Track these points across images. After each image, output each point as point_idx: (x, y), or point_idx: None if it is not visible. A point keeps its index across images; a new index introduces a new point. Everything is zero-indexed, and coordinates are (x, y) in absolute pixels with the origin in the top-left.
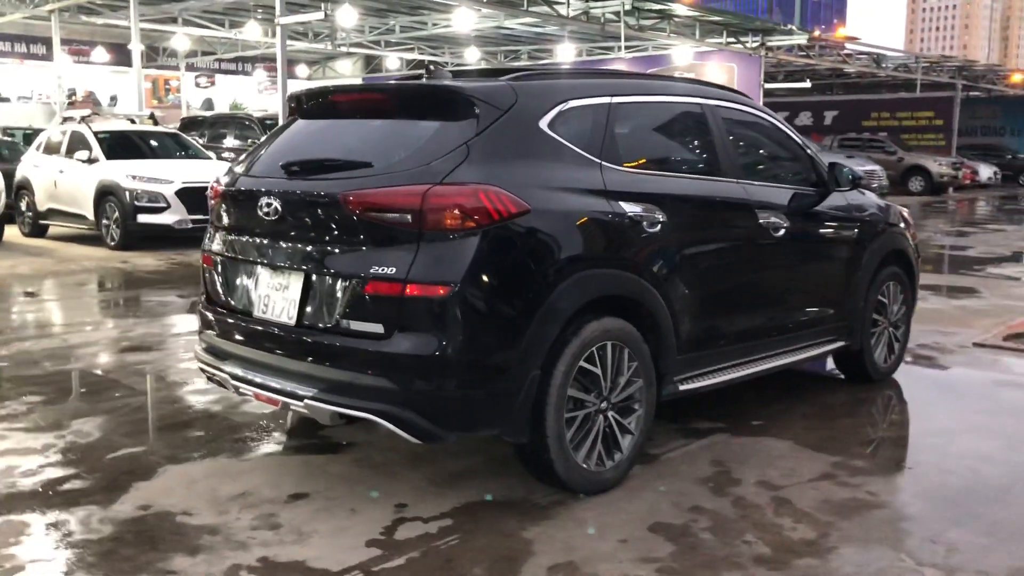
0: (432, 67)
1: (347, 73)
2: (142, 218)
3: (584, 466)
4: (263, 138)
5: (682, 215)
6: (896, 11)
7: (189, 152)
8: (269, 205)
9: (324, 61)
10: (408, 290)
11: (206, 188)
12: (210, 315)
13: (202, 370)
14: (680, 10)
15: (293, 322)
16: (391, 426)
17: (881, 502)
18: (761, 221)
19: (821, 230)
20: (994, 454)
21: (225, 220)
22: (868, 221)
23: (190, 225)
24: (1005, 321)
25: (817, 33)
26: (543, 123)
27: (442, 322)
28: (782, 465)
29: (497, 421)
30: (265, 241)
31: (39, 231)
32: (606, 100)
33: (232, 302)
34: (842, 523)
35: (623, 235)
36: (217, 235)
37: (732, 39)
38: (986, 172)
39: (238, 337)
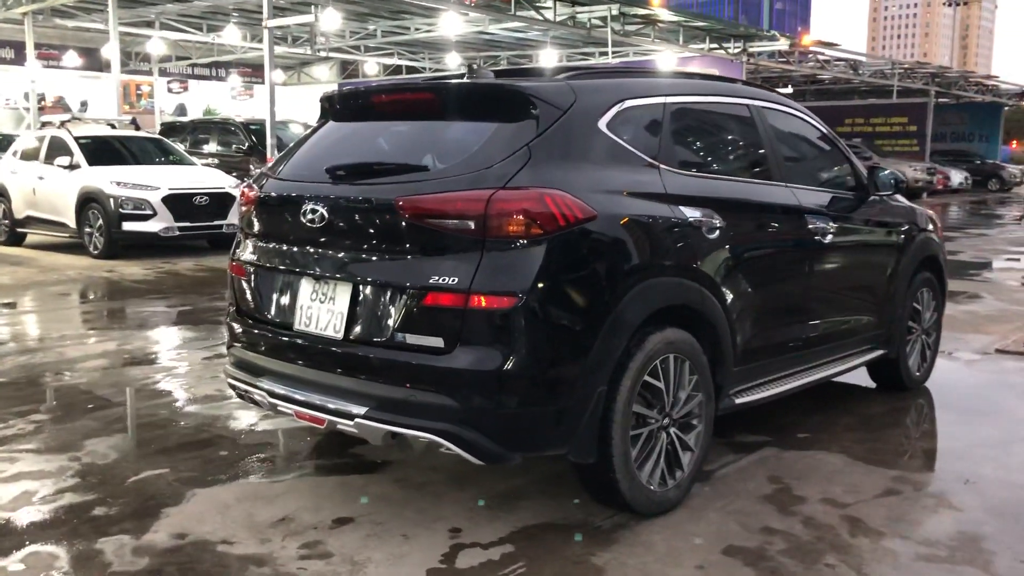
0: (475, 66)
1: (324, 78)
2: (127, 226)
3: (648, 486)
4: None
5: (737, 220)
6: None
7: (173, 158)
8: (314, 212)
9: (299, 66)
10: (472, 301)
11: (193, 195)
12: (241, 328)
13: (233, 386)
14: (664, 16)
15: (340, 335)
16: (453, 446)
17: (954, 520)
18: (810, 226)
19: (864, 236)
20: None
21: (259, 228)
22: (905, 226)
23: (177, 233)
24: (1019, 327)
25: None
26: (602, 124)
27: (508, 335)
28: (842, 481)
29: (564, 440)
30: (308, 250)
31: (16, 239)
32: (661, 100)
33: (268, 314)
34: (920, 544)
35: (685, 242)
36: (249, 243)
37: (715, 45)
38: (957, 177)
39: (276, 352)
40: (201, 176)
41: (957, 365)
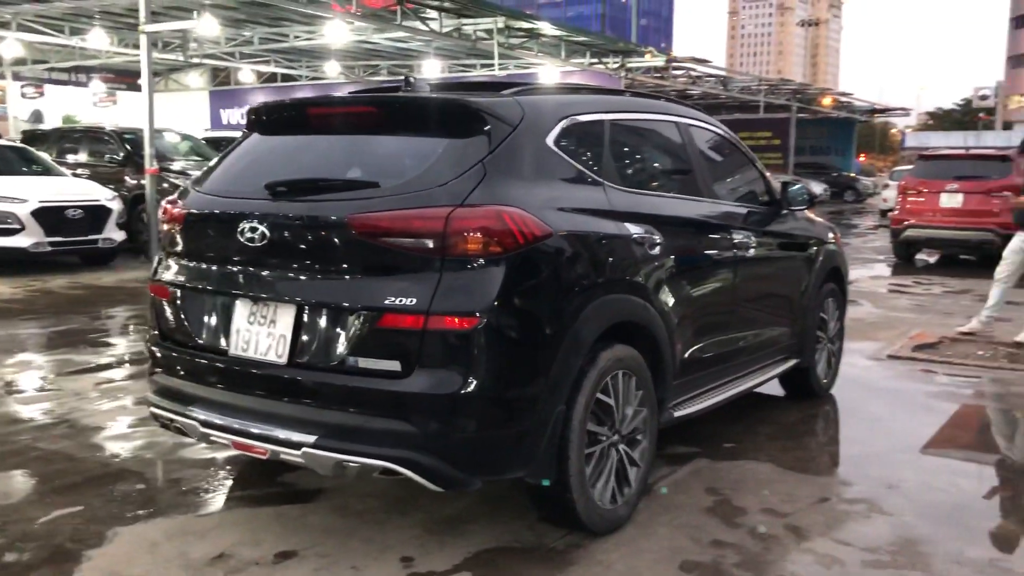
0: (411, 79)
1: (194, 85)
2: None
3: (600, 504)
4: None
5: (674, 236)
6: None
7: (39, 168)
8: (254, 230)
9: (167, 72)
10: (431, 322)
11: (66, 208)
12: (166, 353)
13: (156, 416)
14: (547, 30)
15: (284, 360)
16: (412, 474)
17: (888, 525)
18: (736, 241)
19: (781, 249)
20: (965, 468)
21: (186, 246)
22: (814, 239)
23: (48, 248)
24: (903, 332)
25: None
26: (549, 140)
27: (469, 356)
28: (777, 490)
29: (524, 461)
30: (244, 270)
31: None
32: (601, 117)
33: (198, 339)
34: (863, 551)
35: (631, 258)
36: (173, 263)
37: (595, 60)
38: (818, 189)
39: (208, 378)
40: (74, 188)
41: (856, 372)
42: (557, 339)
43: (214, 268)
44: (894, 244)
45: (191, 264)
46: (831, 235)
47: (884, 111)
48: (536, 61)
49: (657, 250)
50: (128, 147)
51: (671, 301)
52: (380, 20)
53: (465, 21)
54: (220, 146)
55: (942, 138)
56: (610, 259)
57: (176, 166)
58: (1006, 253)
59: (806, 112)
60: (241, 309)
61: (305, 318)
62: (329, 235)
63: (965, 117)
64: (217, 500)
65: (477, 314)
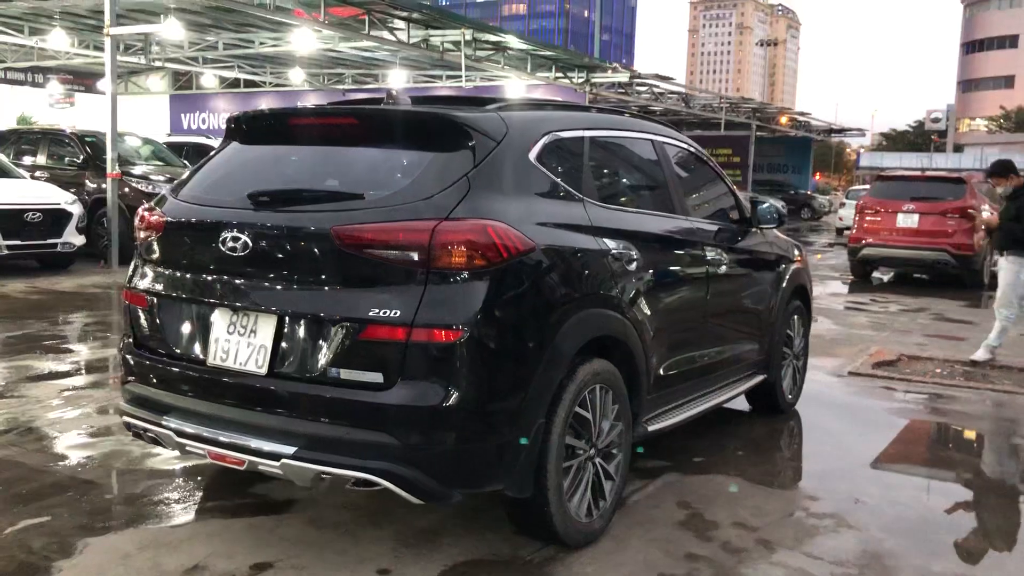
0: (393, 92)
1: (155, 89)
2: None
3: (576, 517)
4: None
5: (649, 252)
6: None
7: None
8: (236, 239)
9: (128, 75)
10: (415, 335)
11: (24, 211)
12: (141, 362)
13: (129, 425)
14: (514, 43)
15: (264, 371)
16: (392, 486)
17: (855, 539)
18: (708, 257)
19: (750, 266)
20: (928, 483)
21: (164, 254)
22: (782, 256)
23: (5, 252)
24: (862, 349)
25: (645, 73)
26: (532, 155)
27: (452, 369)
28: (747, 504)
29: (503, 475)
30: (224, 279)
31: None
32: (581, 133)
33: (175, 348)
34: (833, 564)
35: (610, 273)
36: (150, 271)
37: (560, 74)
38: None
39: (184, 388)
40: (32, 191)
41: (819, 388)
42: (538, 352)
43: (193, 277)
44: (851, 262)
45: (169, 272)
46: (797, 253)
47: (840, 131)
48: (502, 74)
49: (634, 266)
50: (88, 150)
51: (647, 316)
52: (348, 29)
53: (433, 32)
54: (182, 151)
55: (896, 159)
56: (589, 274)
57: (137, 170)
58: (1000, 284)
59: (764, 130)
60: (220, 319)
61: (286, 328)
62: (312, 246)
63: (918, 139)
64: (188, 511)
65: (460, 327)
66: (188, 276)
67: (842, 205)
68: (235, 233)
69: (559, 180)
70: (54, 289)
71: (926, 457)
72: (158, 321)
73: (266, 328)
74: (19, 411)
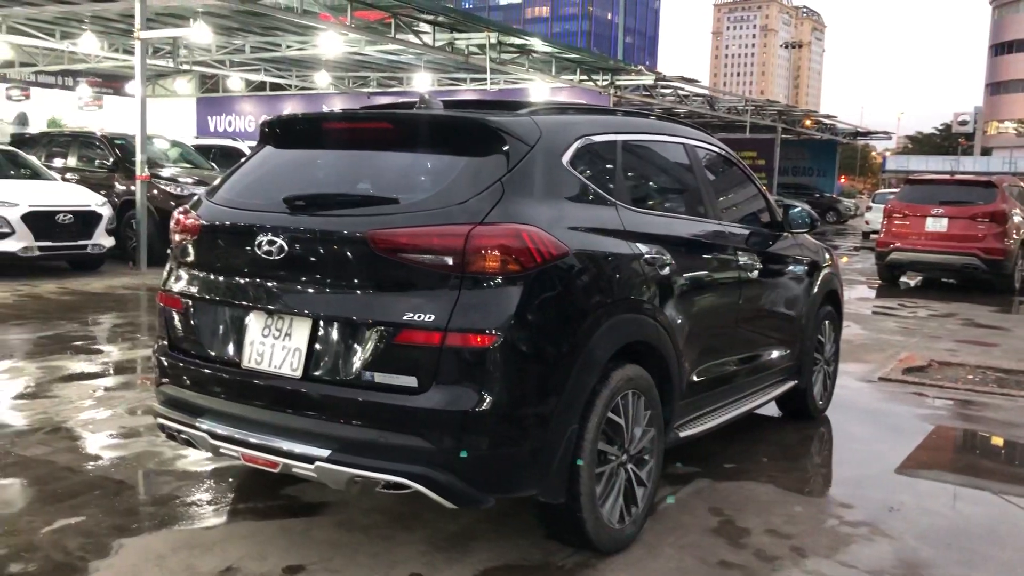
0: (425, 97)
1: (182, 92)
2: None
3: (609, 523)
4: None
5: (682, 256)
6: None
7: (28, 172)
8: (271, 243)
9: (155, 78)
10: (449, 339)
11: (56, 213)
12: (175, 364)
13: (164, 427)
14: (539, 46)
15: (298, 374)
16: (426, 490)
17: (891, 547)
18: (741, 262)
19: (783, 272)
20: (961, 491)
21: (199, 257)
22: (813, 262)
23: (37, 253)
24: (891, 355)
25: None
26: (565, 160)
27: (486, 373)
28: (779, 511)
29: (537, 480)
30: (260, 283)
31: None
32: (614, 137)
33: (210, 350)
34: (868, 573)
35: (643, 278)
36: (185, 273)
37: (584, 77)
38: None
39: (219, 390)
40: (64, 193)
41: (849, 394)
42: (572, 358)
43: (228, 280)
44: (879, 266)
45: (204, 275)
46: (828, 257)
47: (867, 134)
48: (526, 77)
49: (667, 270)
50: (118, 152)
51: (679, 321)
52: (374, 33)
53: (458, 36)
54: (210, 153)
55: (922, 162)
56: (622, 279)
57: (166, 172)
58: None
59: (790, 133)
60: (255, 322)
61: (321, 332)
62: (347, 250)
63: (945, 142)
64: (220, 513)
65: (495, 332)
66: (223, 279)
67: (868, 208)
68: (271, 237)
69: (592, 184)
70: (84, 290)
71: (959, 465)
72: (193, 323)
73: (301, 331)
74: (52, 411)
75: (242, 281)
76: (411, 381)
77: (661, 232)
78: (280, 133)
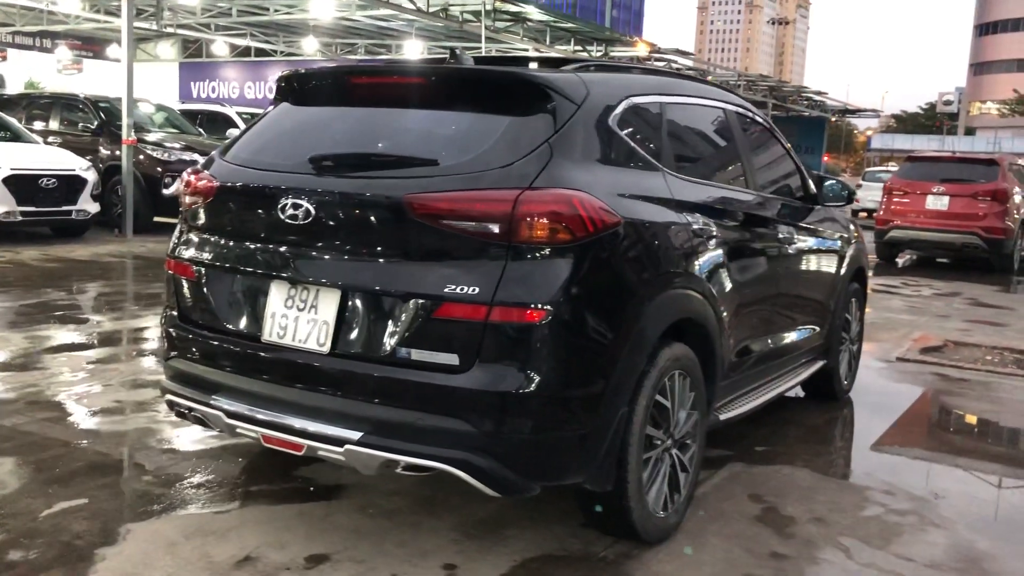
0: (457, 52)
1: (164, 56)
2: None
3: (654, 512)
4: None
5: (726, 228)
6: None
7: (8, 135)
8: (296, 207)
9: (137, 42)
10: (494, 314)
11: (39, 177)
12: (186, 337)
13: (173, 404)
14: (534, 14)
15: (326, 349)
16: (467, 477)
17: (945, 538)
18: (780, 236)
19: (818, 246)
20: (1003, 478)
21: (214, 222)
22: (844, 237)
23: (19, 219)
24: (906, 335)
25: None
26: (612, 121)
27: (534, 352)
28: (820, 498)
29: (585, 466)
30: (282, 250)
31: None
32: (659, 99)
33: (225, 323)
34: (928, 567)
35: (692, 251)
36: (196, 239)
37: (579, 47)
38: None
39: (235, 366)
40: (48, 156)
41: (870, 374)
42: (624, 335)
43: (247, 246)
44: (877, 245)
45: (219, 241)
46: (855, 232)
47: (855, 112)
48: (522, 46)
49: (713, 243)
50: (102, 116)
51: (724, 297)
52: None
53: (452, 2)
54: (196, 118)
55: (907, 140)
56: (673, 251)
57: (152, 137)
58: None
59: (779, 109)
60: (277, 292)
61: (351, 304)
62: (382, 215)
63: (929, 121)
64: (232, 496)
65: (544, 306)
66: (241, 245)
67: (858, 187)
68: (296, 200)
69: (639, 149)
70: (69, 257)
71: (994, 450)
72: (206, 293)
73: (329, 303)
74: (43, 384)
75: (262, 247)
76: (452, 359)
77: (707, 202)
78: (300, 89)
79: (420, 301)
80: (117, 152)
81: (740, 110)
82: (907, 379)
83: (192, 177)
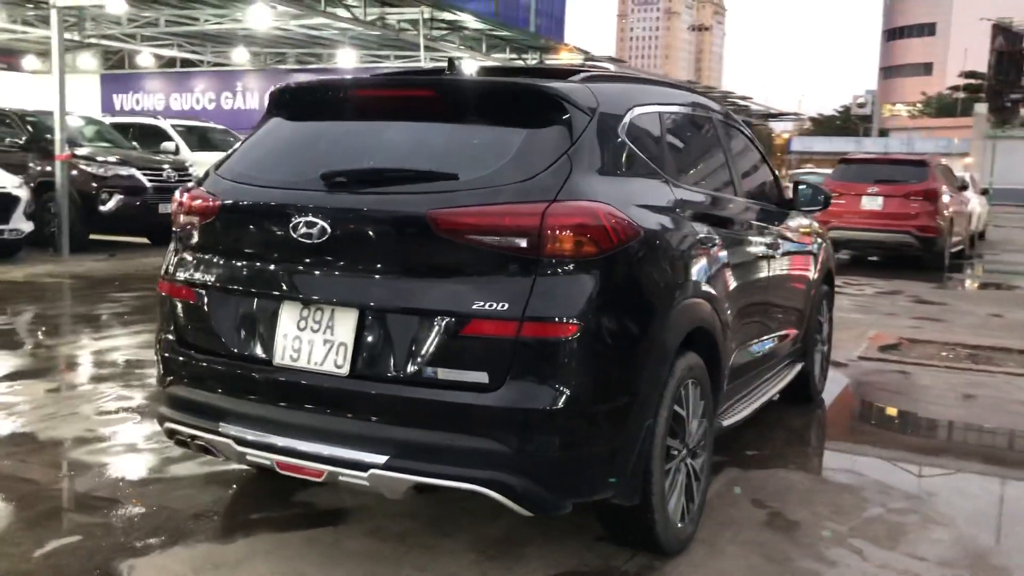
0: (455, 62)
1: (86, 67)
2: None
3: (673, 523)
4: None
5: (725, 237)
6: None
7: None
8: (311, 225)
9: None
10: (525, 330)
11: None
12: (187, 362)
13: (174, 432)
14: (471, 23)
15: (345, 371)
16: (501, 498)
17: (949, 535)
18: (768, 241)
19: (797, 250)
20: (991, 476)
21: (216, 242)
22: (817, 241)
23: None
24: (859, 334)
25: (599, 56)
26: (621, 131)
27: (566, 367)
28: (822, 500)
29: (615, 481)
30: (294, 270)
31: None
32: (658, 108)
33: (232, 347)
34: (941, 566)
35: (700, 260)
36: (196, 260)
37: (514, 55)
38: None
39: (244, 391)
40: None
41: (834, 374)
42: (649, 347)
43: (254, 267)
44: None
45: (223, 262)
46: (822, 234)
47: (778, 115)
48: (458, 54)
49: (714, 250)
50: (30, 130)
51: (726, 304)
52: (303, 6)
53: (389, 10)
54: (129, 132)
55: (826, 143)
56: (683, 260)
57: (85, 152)
58: None
59: None
60: (289, 314)
61: (370, 324)
62: (403, 232)
63: (845, 123)
64: (234, 525)
65: (575, 320)
66: (248, 266)
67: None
68: (309, 218)
69: (645, 158)
70: (4, 279)
71: (973, 444)
72: (209, 316)
73: (346, 323)
74: (13, 412)
75: (272, 268)
76: (481, 377)
77: (706, 209)
78: (298, 103)
79: (447, 319)
80: (48, 168)
81: (722, 117)
82: (873, 378)
83: (187, 195)
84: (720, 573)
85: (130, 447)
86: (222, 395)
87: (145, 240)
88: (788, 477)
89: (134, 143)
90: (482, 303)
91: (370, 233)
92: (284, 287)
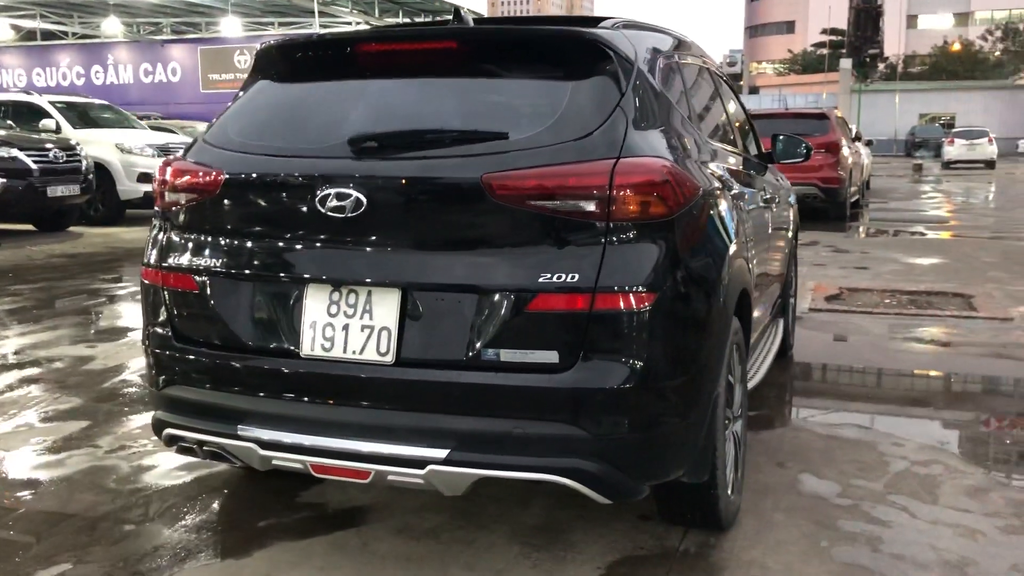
0: (461, 12)
1: None
2: None
3: (730, 496)
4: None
5: (743, 192)
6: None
7: None
8: (343, 196)
9: None
10: (598, 302)
11: None
12: (187, 360)
13: (175, 438)
14: None
15: (390, 359)
16: (578, 486)
17: (978, 482)
18: (767, 196)
19: (782, 206)
20: (983, 416)
21: (220, 221)
22: (792, 194)
23: None
24: (800, 285)
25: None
26: (658, 81)
27: (644, 340)
28: (842, 458)
29: (687, 459)
30: (320, 248)
31: None
32: (675, 58)
33: (246, 340)
34: (988, 516)
35: (739, 217)
36: (190, 242)
37: (407, 19)
38: None
39: (266, 388)
40: None
41: (796, 327)
42: (716, 313)
43: (269, 247)
44: None
45: (228, 244)
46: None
47: None
48: (353, 18)
49: (741, 205)
50: None
51: (753, 263)
52: None
53: None
54: (1, 110)
55: None
56: (731, 219)
57: None
58: None
59: None
60: (316, 298)
61: (416, 305)
62: (453, 200)
63: None
64: (244, 537)
65: (651, 290)
66: (261, 246)
67: None
68: (341, 189)
69: (680, 110)
70: None
71: (973, 390)
72: (214, 306)
73: (386, 306)
74: None
75: (292, 247)
76: (550, 356)
77: (731, 165)
78: (295, 62)
79: (510, 295)
80: None
81: (713, 67)
82: (832, 328)
83: (172, 170)
84: (778, 543)
85: (90, 455)
86: (238, 394)
87: (31, 227)
88: (799, 436)
89: (11, 123)
90: (549, 275)
91: (413, 203)
92: (309, 269)
